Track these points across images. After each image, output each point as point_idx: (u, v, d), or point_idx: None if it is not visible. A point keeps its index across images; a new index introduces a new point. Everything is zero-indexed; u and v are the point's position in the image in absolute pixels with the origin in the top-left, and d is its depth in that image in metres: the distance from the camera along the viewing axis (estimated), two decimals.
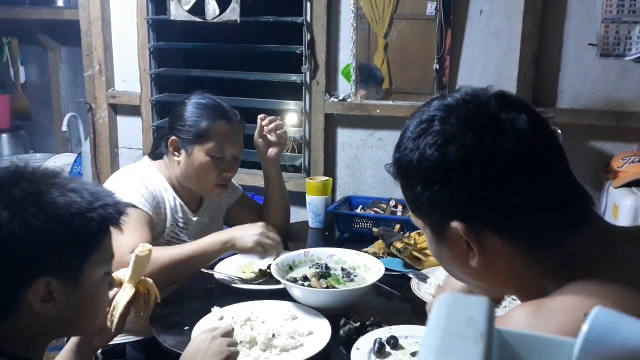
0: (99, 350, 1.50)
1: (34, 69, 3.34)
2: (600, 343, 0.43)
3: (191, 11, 2.46)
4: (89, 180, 2.77)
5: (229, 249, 1.64)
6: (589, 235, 0.79)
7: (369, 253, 1.71)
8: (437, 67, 2.28)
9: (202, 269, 1.69)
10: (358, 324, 1.32)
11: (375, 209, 2.18)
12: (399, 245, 1.71)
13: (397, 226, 1.93)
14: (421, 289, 1.54)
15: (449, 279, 1.08)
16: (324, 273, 1.56)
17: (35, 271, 0.92)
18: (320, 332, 1.33)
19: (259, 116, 1.94)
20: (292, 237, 2.05)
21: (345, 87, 2.44)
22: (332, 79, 2.45)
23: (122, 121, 2.88)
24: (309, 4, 2.39)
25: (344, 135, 2.50)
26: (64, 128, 3.07)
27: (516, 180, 0.77)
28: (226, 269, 1.69)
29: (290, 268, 1.61)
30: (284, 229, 2.03)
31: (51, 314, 0.94)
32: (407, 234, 1.78)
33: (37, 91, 3.34)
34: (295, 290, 1.45)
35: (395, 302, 1.57)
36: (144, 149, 2.75)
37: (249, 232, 1.62)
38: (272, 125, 1.93)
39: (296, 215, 2.26)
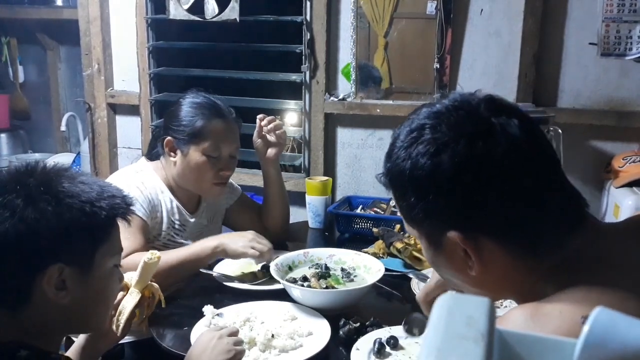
0: None
1: (33, 69, 3.33)
2: (601, 344, 0.42)
3: (190, 10, 2.46)
4: None
5: (220, 254, 1.63)
6: (584, 237, 0.79)
7: (369, 253, 1.71)
8: (438, 66, 2.27)
9: (201, 270, 1.69)
10: (358, 324, 1.32)
11: (375, 209, 2.17)
12: (399, 245, 1.71)
13: (397, 226, 1.92)
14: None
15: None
16: (324, 273, 1.55)
17: (48, 258, 0.95)
18: (320, 332, 1.32)
19: (258, 116, 1.93)
20: (291, 237, 2.05)
21: (345, 86, 2.43)
22: (332, 78, 2.45)
23: (121, 121, 2.87)
24: (308, 3, 2.39)
25: (344, 135, 2.50)
26: (63, 128, 3.06)
27: (511, 185, 0.76)
28: (226, 269, 1.69)
29: (290, 268, 1.60)
30: (284, 230, 2.02)
31: (64, 303, 0.97)
32: (407, 234, 1.78)
33: (36, 91, 3.34)
34: (295, 291, 1.44)
35: (395, 302, 1.57)
36: (143, 148, 2.74)
37: (239, 238, 1.63)
38: (271, 125, 1.92)
39: (296, 215, 2.26)
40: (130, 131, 2.85)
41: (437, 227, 0.81)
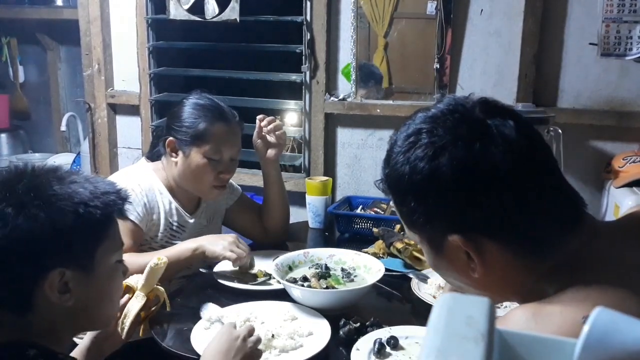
0: None
1: (33, 69, 3.33)
2: (601, 343, 0.43)
3: (191, 10, 2.46)
4: None
5: (199, 256, 1.63)
6: (583, 237, 0.79)
7: (369, 253, 1.70)
8: (438, 66, 2.27)
9: (201, 269, 1.69)
10: (358, 324, 1.32)
11: (375, 209, 2.17)
12: (399, 245, 1.71)
13: (398, 226, 1.92)
14: (421, 290, 1.54)
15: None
16: (324, 273, 1.55)
17: (47, 263, 0.93)
18: (320, 332, 1.32)
19: (258, 117, 1.93)
20: (292, 237, 2.05)
21: (345, 86, 2.43)
22: (332, 78, 2.44)
23: (121, 121, 2.87)
24: (308, 3, 2.39)
25: (344, 135, 2.50)
26: (63, 128, 3.06)
27: (509, 185, 0.77)
28: (226, 269, 1.69)
29: (290, 268, 1.60)
30: (284, 230, 2.02)
31: (69, 305, 0.96)
32: (407, 235, 1.77)
33: (36, 91, 3.34)
34: (295, 291, 1.44)
35: (396, 302, 1.57)
36: (143, 148, 2.75)
37: (219, 240, 1.64)
38: (271, 126, 1.92)
39: (296, 215, 2.26)
40: (131, 131, 2.85)
41: (438, 230, 0.81)
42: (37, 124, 3.38)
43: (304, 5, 2.40)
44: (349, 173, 2.52)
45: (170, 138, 1.74)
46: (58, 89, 3.26)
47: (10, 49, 3.25)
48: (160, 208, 1.75)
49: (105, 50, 2.76)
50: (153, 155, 1.85)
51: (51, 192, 0.94)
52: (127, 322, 1.27)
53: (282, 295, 1.49)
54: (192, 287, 1.64)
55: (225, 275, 1.65)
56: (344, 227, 2.11)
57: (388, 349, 1.23)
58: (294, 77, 2.48)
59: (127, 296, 1.32)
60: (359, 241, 1.94)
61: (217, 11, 2.41)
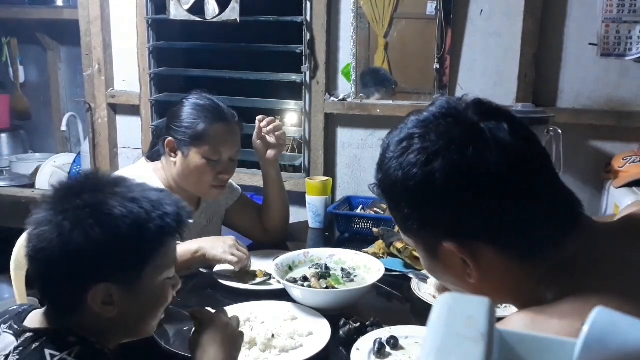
0: None
1: (33, 69, 3.33)
2: (601, 344, 0.42)
3: (191, 11, 2.46)
4: None
5: (199, 259, 1.63)
6: (580, 239, 0.79)
7: (369, 253, 1.71)
8: (438, 66, 2.28)
9: (201, 269, 1.69)
10: (358, 324, 1.32)
11: (375, 209, 2.17)
12: (399, 245, 1.71)
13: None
14: (421, 290, 1.54)
15: None
16: (324, 273, 1.56)
17: (93, 277, 0.96)
18: (320, 332, 1.33)
19: (257, 117, 1.93)
20: (291, 237, 2.05)
21: (345, 86, 2.43)
22: (332, 78, 2.45)
23: (122, 121, 2.87)
24: (308, 4, 2.39)
25: (344, 135, 2.50)
26: (64, 128, 3.06)
27: (503, 189, 0.76)
28: (226, 269, 1.69)
29: (290, 268, 1.60)
30: (284, 230, 2.02)
31: (112, 315, 0.99)
32: None
33: (36, 91, 3.33)
34: (295, 291, 1.44)
35: (396, 302, 1.57)
36: (144, 148, 2.74)
37: (219, 243, 1.64)
38: (270, 126, 1.92)
39: (296, 215, 2.26)
40: (131, 131, 2.85)
41: (433, 236, 0.80)
42: (38, 124, 3.37)
43: (304, 5, 2.40)
44: (349, 173, 2.52)
45: (170, 138, 1.74)
46: (58, 89, 3.26)
47: (11, 49, 3.25)
48: None
49: (106, 51, 2.76)
50: (153, 155, 1.85)
51: (106, 212, 0.95)
52: None
53: (282, 295, 1.49)
54: (192, 287, 1.64)
55: (225, 275, 1.66)
56: (344, 227, 2.12)
57: (388, 349, 1.24)
58: (294, 77, 2.48)
59: None
60: (359, 241, 1.94)
61: (217, 11, 2.41)
